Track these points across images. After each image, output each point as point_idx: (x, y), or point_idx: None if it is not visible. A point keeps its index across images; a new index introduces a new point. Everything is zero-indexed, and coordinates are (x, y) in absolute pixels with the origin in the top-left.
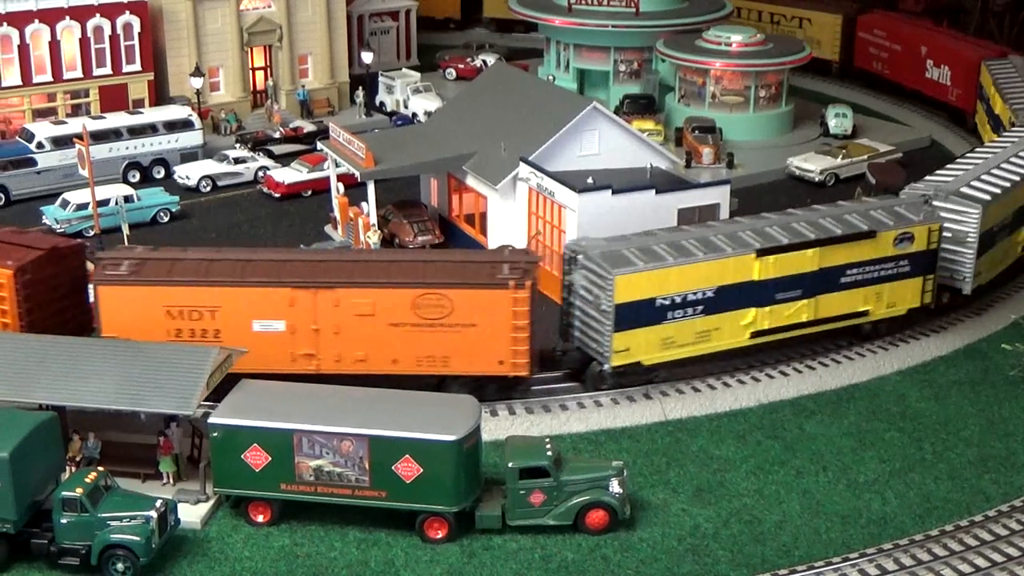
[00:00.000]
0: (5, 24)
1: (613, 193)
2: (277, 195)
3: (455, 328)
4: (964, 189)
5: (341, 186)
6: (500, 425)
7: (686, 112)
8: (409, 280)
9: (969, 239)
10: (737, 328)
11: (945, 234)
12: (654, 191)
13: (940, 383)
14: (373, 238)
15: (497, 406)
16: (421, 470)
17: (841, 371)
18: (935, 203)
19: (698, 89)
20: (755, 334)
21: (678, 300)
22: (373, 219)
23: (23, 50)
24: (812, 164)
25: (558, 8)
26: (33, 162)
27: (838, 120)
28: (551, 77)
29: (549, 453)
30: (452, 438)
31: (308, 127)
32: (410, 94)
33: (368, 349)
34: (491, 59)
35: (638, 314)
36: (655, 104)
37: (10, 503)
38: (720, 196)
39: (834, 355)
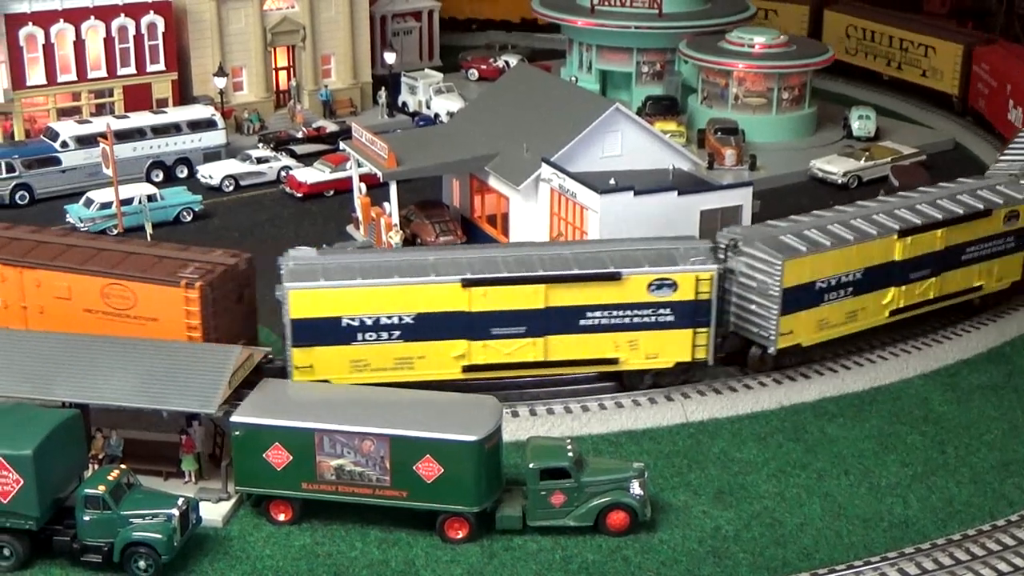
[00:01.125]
0: (31, 24)
1: (635, 194)
2: (299, 195)
3: (139, 320)
4: (784, 238)
5: (363, 186)
6: (521, 426)
7: (709, 113)
8: (98, 268)
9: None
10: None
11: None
12: (676, 192)
13: (963, 387)
14: (395, 238)
15: (519, 407)
16: (442, 470)
17: (863, 374)
18: None
19: (721, 91)
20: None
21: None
22: (395, 219)
23: (48, 49)
24: (835, 166)
25: (581, 9)
26: (57, 161)
27: (861, 122)
28: (573, 78)
29: (570, 454)
30: (473, 438)
31: (331, 127)
32: (432, 94)
33: (69, 332)
34: (513, 60)
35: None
36: (678, 105)
37: (33, 500)
38: (742, 198)
39: (856, 358)
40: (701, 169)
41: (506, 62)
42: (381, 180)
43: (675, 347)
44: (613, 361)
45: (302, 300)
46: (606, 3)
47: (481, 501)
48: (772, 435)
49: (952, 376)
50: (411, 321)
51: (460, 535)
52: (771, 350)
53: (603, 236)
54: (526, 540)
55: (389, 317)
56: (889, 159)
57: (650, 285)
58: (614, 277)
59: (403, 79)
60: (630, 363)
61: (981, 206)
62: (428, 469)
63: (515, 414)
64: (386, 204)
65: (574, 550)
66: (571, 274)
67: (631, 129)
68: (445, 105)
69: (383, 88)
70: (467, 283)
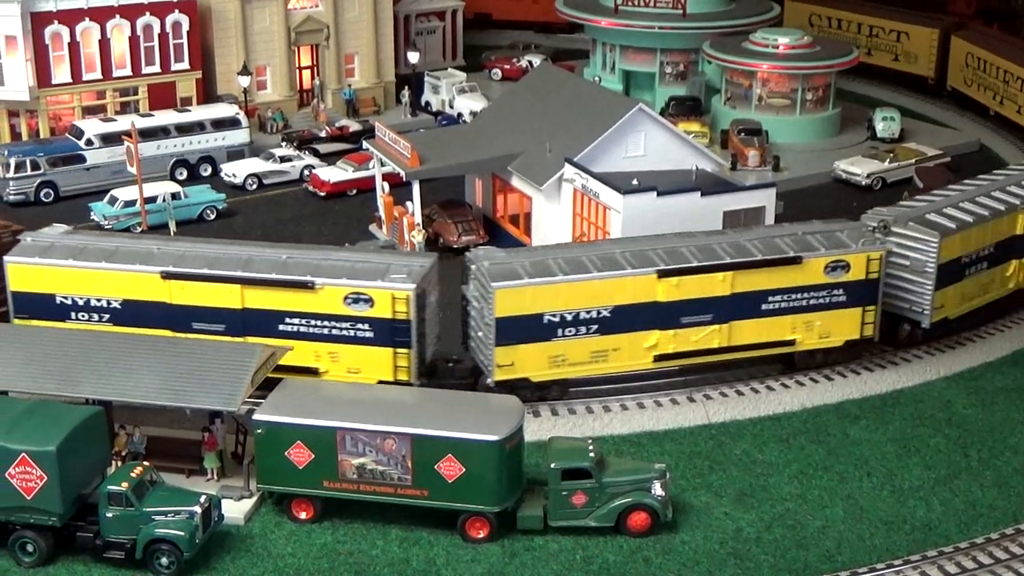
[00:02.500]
0: (56, 22)
1: (658, 195)
2: (322, 194)
3: None
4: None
5: (386, 185)
6: (543, 426)
7: (732, 114)
8: None
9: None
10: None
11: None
12: (699, 193)
13: (987, 390)
14: (418, 237)
15: (540, 407)
16: (463, 469)
17: (886, 376)
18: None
19: (744, 91)
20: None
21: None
22: (418, 219)
23: (73, 48)
24: (859, 167)
25: (605, 9)
26: (82, 159)
27: (886, 123)
28: (597, 78)
29: (591, 454)
30: (495, 438)
31: (354, 126)
32: (456, 94)
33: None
34: (537, 60)
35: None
36: (701, 106)
37: (56, 496)
38: (766, 199)
39: (879, 360)
40: (724, 170)
41: (529, 62)
42: (404, 179)
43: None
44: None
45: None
46: (630, 3)
47: (502, 501)
48: (794, 437)
49: (975, 379)
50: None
51: (481, 535)
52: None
53: (625, 236)
54: (547, 540)
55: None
56: (913, 160)
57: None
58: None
59: (426, 78)
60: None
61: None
62: (450, 468)
63: (536, 414)
64: (409, 203)
65: (595, 551)
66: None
67: (654, 129)
68: (468, 105)
69: (406, 87)
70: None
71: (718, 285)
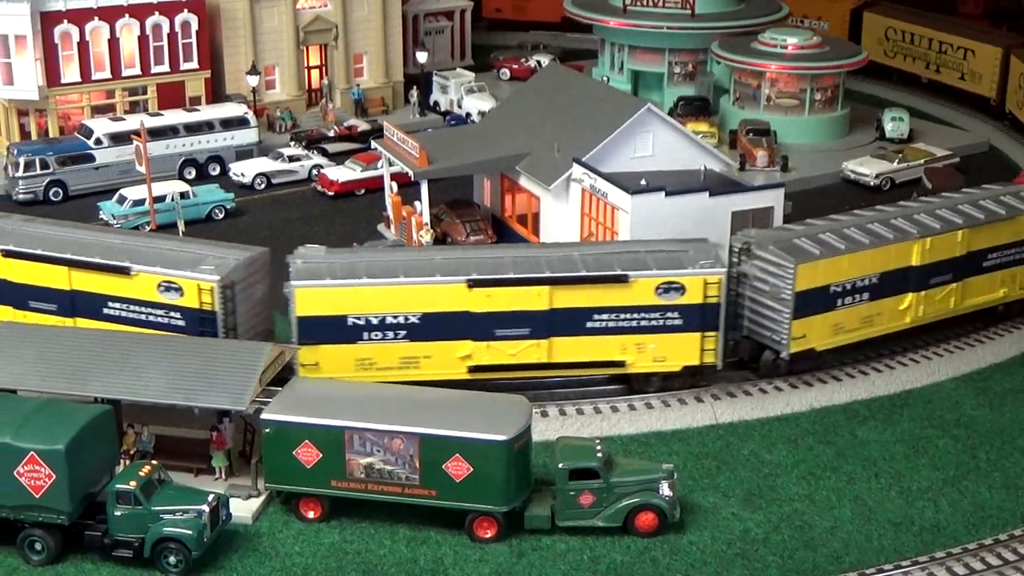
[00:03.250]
0: (66, 21)
1: (666, 195)
2: (331, 193)
3: None
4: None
5: (395, 185)
6: (550, 426)
7: (741, 114)
8: None
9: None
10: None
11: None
12: (708, 193)
13: (995, 391)
14: (426, 237)
15: (548, 407)
16: (471, 469)
17: (895, 377)
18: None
19: (753, 91)
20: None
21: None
22: (426, 218)
23: (83, 47)
24: (867, 168)
25: (613, 9)
26: (91, 158)
27: (895, 124)
28: (605, 78)
29: (599, 454)
30: (502, 438)
31: (362, 126)
32: (464, 94)
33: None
34: (545, 60)
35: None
36: (709, 106)
37: (65, 495)
38: (774, 199)
39: (888, 361)
40: (733, 170)
41: (538, 62)
42: (412, 179)
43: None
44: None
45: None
46: (638, 3)
47: (510, 501)
48: (802, 437)
49: (984, 380)
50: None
51: (489, 534)
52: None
53: (634, 236)
54: (555, 540)
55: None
56: (922, 161)
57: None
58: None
59: (435, 78)
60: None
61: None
62: (457, 468)
63: (544, 414)
64: (417, 203)
65: (602, 551)
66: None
67: (663, 130)
68: (476, 104)
69: (415, 87)
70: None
71: (535, 299)
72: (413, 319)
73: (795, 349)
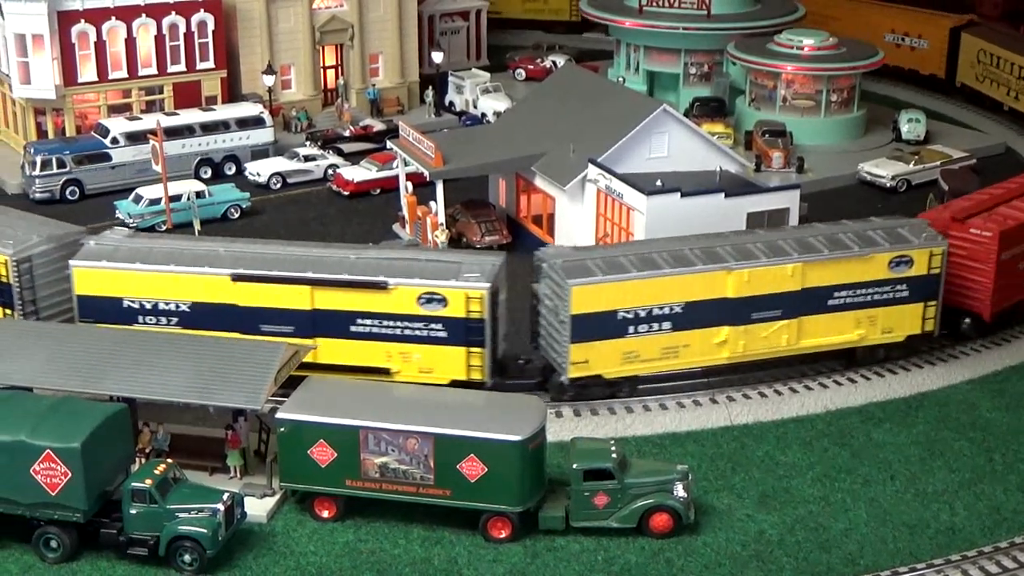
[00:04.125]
0: (83, 21)
1: (682, 196)
2: (346, 193)
3: None
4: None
5: (410, 185)
6: (565, 426)
7: (756, 115)
8: None
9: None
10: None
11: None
12: (723, 194)
13: (1011, 393)
14: (441, 237)
15: (563, 407)
16: (486, 469)
17: (910, 379)
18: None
19: (769, 92)
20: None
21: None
22: (441, 218)
23: (100, 47)
24: (883, 169)
25: (629, 10)
26: (108, 157)
27: (911, 125)
28: (621, 79)
29: (614, 455)
30: (517, 438)
31: (378, 126)
32: (479, 94)
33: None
34: (561, 60)
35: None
36: (725, 107)
37: (81, 493)
38: (790, 200)
39: (903, 363)
40: (748, 171)
41: (553, 62)
42: (427, 179)
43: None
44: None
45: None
46: (654, 4)
47: (524, 501)
48: (818, 439)
49: (1000, 383)
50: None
51: (503, 535)
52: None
53: (649, 237)
54: (569, 541)
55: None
56: (939, 163)
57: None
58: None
59: (450, 78)
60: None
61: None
62: (472, 468)
63: (559, 415)
64: (432, 203)
65: (617, 551)
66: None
67: (678, 130)
68: (492, 105)
69: (430, 87)
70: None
71: (298, 298)
72: (184, 307)
73: (576, 374)
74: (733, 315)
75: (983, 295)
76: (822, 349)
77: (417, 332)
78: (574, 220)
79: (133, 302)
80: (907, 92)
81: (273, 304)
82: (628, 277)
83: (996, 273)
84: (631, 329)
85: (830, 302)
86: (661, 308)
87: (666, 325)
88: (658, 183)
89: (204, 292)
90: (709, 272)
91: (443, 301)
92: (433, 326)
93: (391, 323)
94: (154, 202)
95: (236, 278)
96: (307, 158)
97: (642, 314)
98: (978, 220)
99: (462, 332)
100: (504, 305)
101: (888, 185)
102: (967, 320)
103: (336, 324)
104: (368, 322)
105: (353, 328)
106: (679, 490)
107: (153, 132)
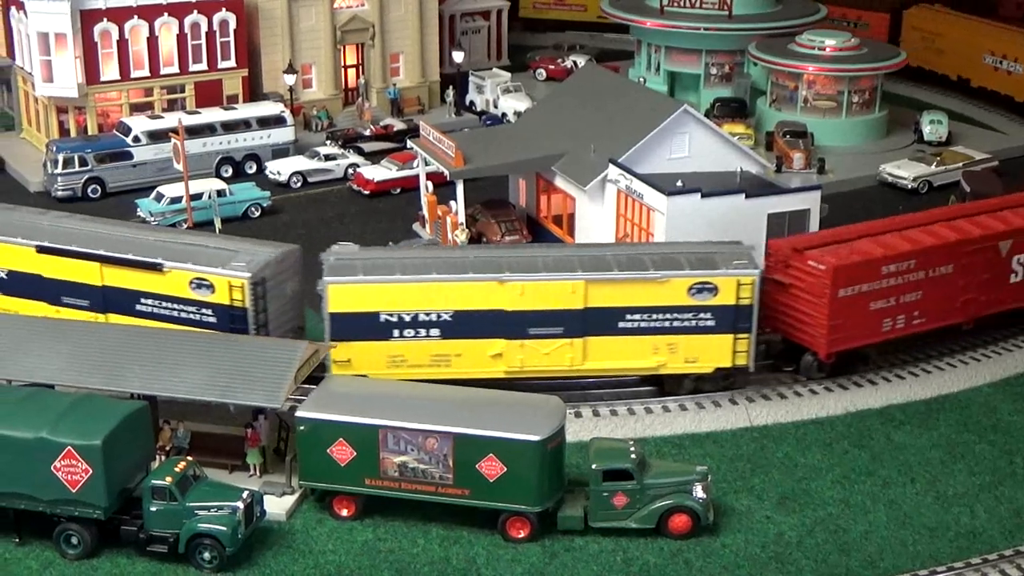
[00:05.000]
0: (105, 20)
1: (702, 196)
2: (366, 192)
3: None
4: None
5: (430, 184)
6: (584, 426)
7: (777, 116)
8: None
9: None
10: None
11: None
12: (744, 195)
13: None
14: (461, 236)
15: (582, 407)
16: (505, 469)
17: (931, 381)
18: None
19: (790, 93)
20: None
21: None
22: (461, 218)
23: (122, 45)
24: (905, 171)
25: (650, 10)
26: (129, 155)
27: (933, 126)
28: (642, 79)
29: (633, 456)
30: (536, 438)
31: (398, 125)
32: (500, 94)
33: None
34: (581, 60)
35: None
36: (746, 108)
37: (101, 489)
38: (811, 202)
39: (924, 365)
40: (769, 172)
41: (574, 62)
42: (448, 178)
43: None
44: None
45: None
46: (675, 4)
47: (543, 501)
48: (837, 441)
49: (1022, 385)
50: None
51: (522, 534)
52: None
53: (669, 238)
54: (587, 541)
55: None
56: (961, 164)
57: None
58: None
59: (471, 78)
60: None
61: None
62: (491, 468)
63: (578, 415)
64: (452, 202)
65: (635, 552)
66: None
67: (699, 131)
68: (512, 104)
69: (451, 87)
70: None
71: (91, 274)
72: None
73: (340, 372)
74: (508, 329)
75: (818, 332)
76: (616, 374)
77: (191, 316)
78: (594, 220)
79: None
80: (929, 93)
81: (72, 278)
82: (389, 280)
83: (831, 310)
84: (396, 333)
85: (621, 324)
86: (428, 314)
87: (434, 332)
88: (678, 183)
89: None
90: (480, 282)
91: (211, 287)
92: (204, 311)
93: (169, 305)
94: (175, 200)
95: (40, 250)
96: (327, 157)
97: (407, 319)
98: (817, 252)
99: (225, 319)
100: (295, 296)
101: (909, 187)
102: (809, 356)
103: (125, 302)
104: (149, 302)
105: (138, 307)
106: (698, 491)
107: (174, 131)
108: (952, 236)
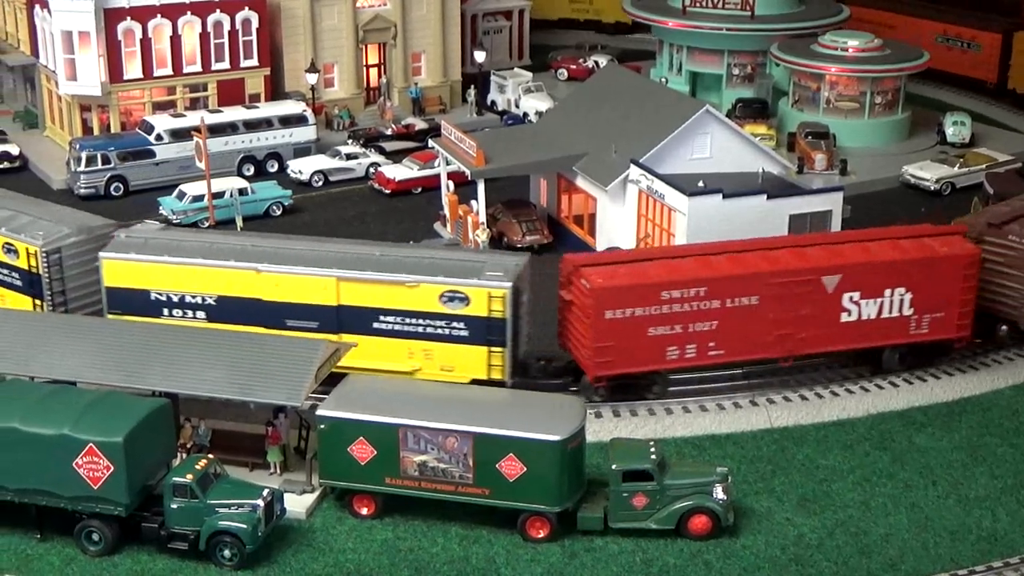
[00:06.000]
0: (129, 18)
1: (724, 197)
2: (388, 191)
3: None
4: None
5: (451, 184)
6: (605, 427)
7: (799, 117)
8: None
9: None
10: None
11: None
12: (765, 196)
13: None
14: (482, 236)
15: (602, 407)
16: (525, 469)
17: (953, 383)
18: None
19: (812, 94)
20: None
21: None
22: (482, 217)
23: (145, 44)
24: (928, 172)
25: (672, 10)
26: (152, 154)
27: (956, 128)
28: (663, 79)
29: (653, 456)
30: (556, 438)
31: (420, 124)
32: (521, 94)
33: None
34: (603, 60)
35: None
36: (768, 108)
37: (123, 487)
38: (832, 203)
39: (946, 367)
40: (791, 173)
41: (596, 62)
42: (469, 178)
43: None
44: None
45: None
46: (698, 4)
47: (563, 501)
48: (858, 443)
49: None
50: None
51: (541, 534)
52: None
53: (691, 239)
54: (607, 541)
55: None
56: (984, 166)
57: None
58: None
59: (493, 78)
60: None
61: None
62: (511, 467)
63: (599, 415)
64: (473, 202)
65: (655, 553)
66: None
67: (721, 131)
68: (534, 104)
69: (472, 87)
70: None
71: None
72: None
73: None
74: (267, 318)
75: (586, 353)
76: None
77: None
78: (615, 220)
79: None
80: (953, 95)
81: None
82: (157, 260)
83: (595, 331)
84: (165, 311)
85: (375, 325)
86: (193, 297)
87: (200, 315)
88: (700, 184)
89: None
90: (239, 270)
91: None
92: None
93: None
94: (197, 199)
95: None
96: (349, 156)
97: (175, 299)
98: (591, 270)
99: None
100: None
101: (932, 188)
102: (586, 377)
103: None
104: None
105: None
106: (718, 492)
107: (197, 129)
108: (759, 266)
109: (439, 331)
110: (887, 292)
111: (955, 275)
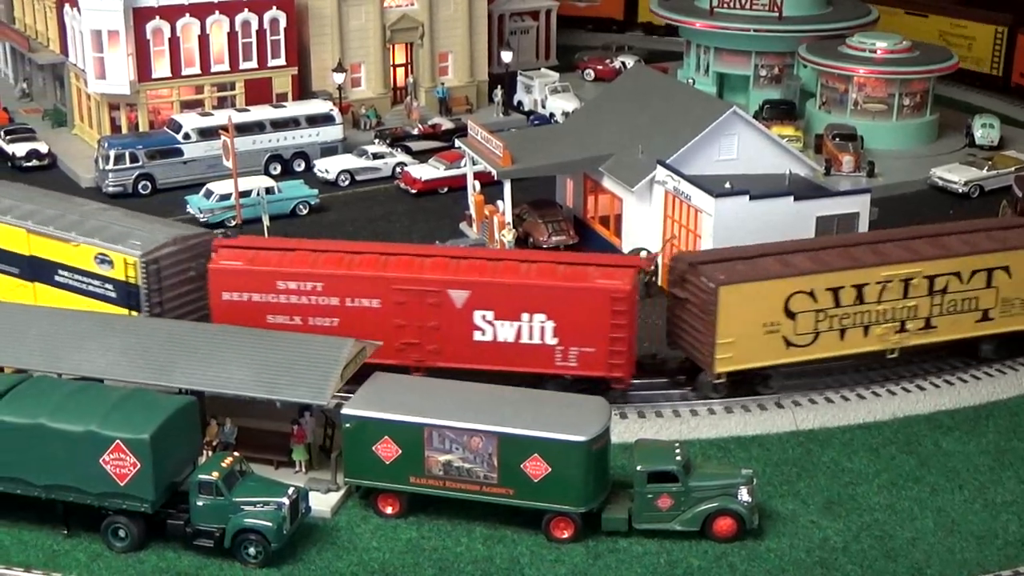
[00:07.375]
0: (158, 17)
1: (751, 199)
2: (414, 191)
3: None
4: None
5: (477, 184)
6: (630, 428)
7: (827, 119)
8: None
9: None
10: None
11: None
12: (792, 198)
13: None
14: (508, 236)
15: (627, 409)
16: (549, 469)
17: (980, 387)
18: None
19: (840, 95)
20: None
21: None
22: (508, 218)
23: (173, 43)
24: (956, 175)
25: (700, 11)
26: (179, 152)
27: (985, 131)
28: (691, 80)
29: (678, 458)
30: (582, 439)
31: (446, 124)
32: (548, 94)
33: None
34: (630, 61)
35: None
36: (795, 110)
37: (149, 484)
38: (860, 205)
39: (973, 371)
40: (818, 175)
41: (623, 63)
42: (495, 178)
43: None
44: None
45: None
46: (725, 5)
47: (587, 502)
48: (884, 446)
49: None
50: None
51: (565, 535)
52: None
53: (717, 241)
54: (631, 543)
55: None
56: (1012, 169)
57: None
58: None
59: (519, 78)
60: None
61: None
62: (536, 468)
63: (623, 416)
64: (499, 202)
65: (679, 555)
66: None
67: (748, 133)
68: (560, 105)
69: (499, 87)
70: None
71: None
72: None
73: None
74: None
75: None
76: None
77: None
78: (641, 221)
79: None
80: (981, 97)
81: None
82: None
83: (215, 310)
84: None
85: (56, 278)
86: None
87: None
88: (727, 185)
89: None
90: None
91: None
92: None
93: None
94: (224, 197)
95: None
96: (376, 156)
97: None
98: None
99: None
100: None
101: (960, 191)
102: None
103: None
104: None
105: None
106: (743, 494)
107: (224, 128)
108: (372, 270)
109: (97, 291)
110: (524, 316)
111: (602, 310)
